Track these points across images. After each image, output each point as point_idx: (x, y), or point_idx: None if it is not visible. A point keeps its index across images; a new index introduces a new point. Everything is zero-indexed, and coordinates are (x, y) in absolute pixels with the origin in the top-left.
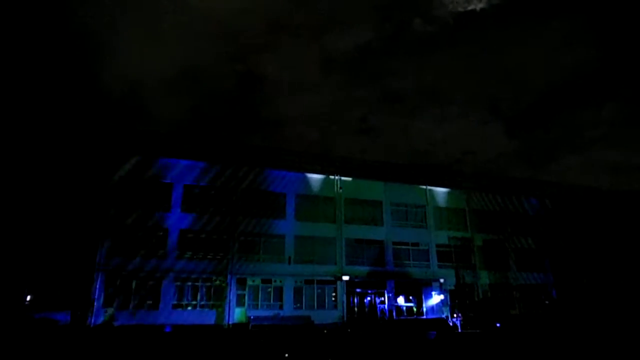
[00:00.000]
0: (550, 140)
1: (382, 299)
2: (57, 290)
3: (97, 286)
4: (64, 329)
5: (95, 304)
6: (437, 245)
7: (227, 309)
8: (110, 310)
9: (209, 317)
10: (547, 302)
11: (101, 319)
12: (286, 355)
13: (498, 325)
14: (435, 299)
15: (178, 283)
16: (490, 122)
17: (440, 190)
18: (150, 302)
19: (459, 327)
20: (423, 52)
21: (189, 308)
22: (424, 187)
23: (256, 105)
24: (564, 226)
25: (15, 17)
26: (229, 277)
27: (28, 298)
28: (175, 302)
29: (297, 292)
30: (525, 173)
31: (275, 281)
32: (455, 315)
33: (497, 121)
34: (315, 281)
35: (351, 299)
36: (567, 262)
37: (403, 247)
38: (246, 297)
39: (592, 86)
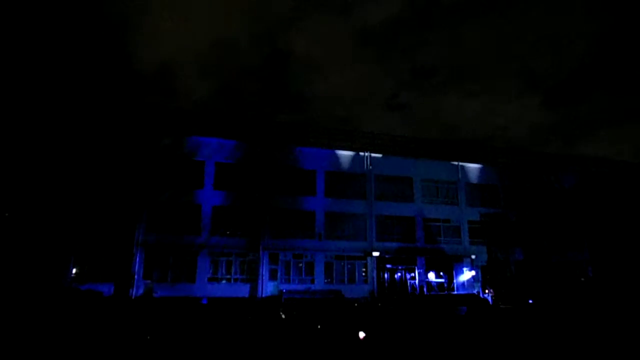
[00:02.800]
0: (587, 113)
1: (413, 274)
2: (101, 265)
3: (137, 260)
4: (108, 300)
5: (135, 277)
6: (469, 222)
7: (260, 282)
8: (149, 283)
9: (242, 291)
10: (582, 279)
11: (141, 291)
12: (318, 326)
13: (530, 301)
14: (467, 275)
15: (213, 258)
16: (525, 95)
17: (473, 166)
18: (187, 275)
19: (490, 303)
20: (455, 24)
21: (224, 282)
22: (456, 163)
23: (285, 83)
24: (601, 202)
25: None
26: (261, 252)
27: (74, 271)
28: (210, 276)
29: (328, 267)
30: (561, 148)
31: (306, 256)
32: (486, 291)
33: (532, 94)
34: (345, 257)
35: (381, 275)
36: (604, 239)
37: (434, 223)
38: (278, 272)
39: (634, 57)
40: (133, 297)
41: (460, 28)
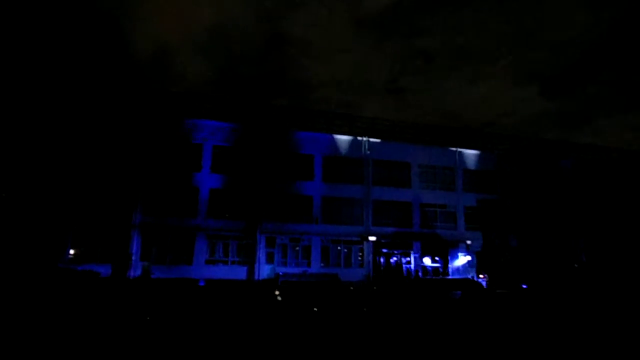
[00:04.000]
0: (586, 101)
1: (408, 259)
2: (99, 246)
3: (135, 242)
4: (105, 280)
5: (133, 258)
6: (465, 208)
7: (256, 265)
8: (147, 264)
9: (239, 273)
10: (576, 265)
11: (139, 272)
12: (315, 309)
13: (524, 286)
14: (462, 260)
15: (210, 240)
16: (525, 83)
17: (471, 152)
18: (184, 257)
19: (485, 287)
20: (456, 9)
21: (221, 264)
22: (454, 149)
23: (284, 67)
24: (597, 189)
25: None
26: (258, 235)
27: (72, 252)
28: (207, 258)
29: (324, 251)
30: (560, 135)
31: (303, 240)
32: (481, 276)
33: (531, 82)
34: (341, 241)
35: (377, 259)
36: (598, 226)
37: (430, 208)
38: (275, 255)
39: (632, 46)
40: (131, 278)
41: (460, 14)
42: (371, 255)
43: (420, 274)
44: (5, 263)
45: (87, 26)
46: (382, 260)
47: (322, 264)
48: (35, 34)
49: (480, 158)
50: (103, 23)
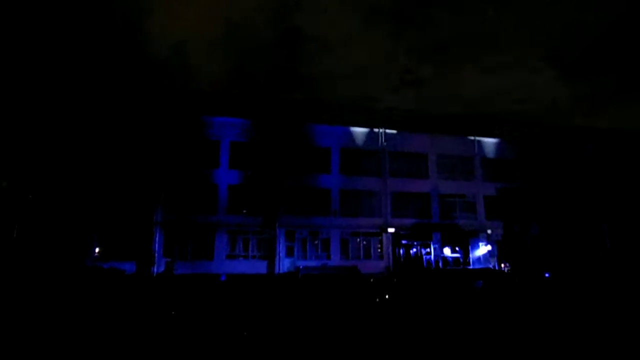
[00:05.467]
0: (605, 85)
1: (428, 250)
2: (123, 244)
3: (157, 239)
4: (130, 277)
5: (156, 255)
6: (485, 197)
7: (277, 259)
8: (170, 261)
9: (260, 267)
10: (599, 251)
11: (162, 269)
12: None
13: (547, 275)
14: (482, 249)
15: (230, 236)
16: (541, 69)
17: (490, 140)
18: (206, 253)
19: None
20: None
21: (241, 259)
22: (472, 138)
23: (299, 61)
24: (619, 174)
25: None
26: (277, 230)
27: (97, 250)
28: (228, 253)
29: (344, 244)
30: (579, 121)
31: (322, 233)
32: (502, 266)
33: (548, 68)
34: (360, 233)
35: (397, 250)
36: (621, 211)
37: (449, 199)
38: (295, 249)
39: None
40: (154, 275)
41: (474, 2)
42: (391, 247)
43: (440, 264)
44: (36, 263)
45: (103, 25)
46: (402, 251)
47: (341, 257)
48: (53, 34)
49: (499, 146)
50: (119, 22)
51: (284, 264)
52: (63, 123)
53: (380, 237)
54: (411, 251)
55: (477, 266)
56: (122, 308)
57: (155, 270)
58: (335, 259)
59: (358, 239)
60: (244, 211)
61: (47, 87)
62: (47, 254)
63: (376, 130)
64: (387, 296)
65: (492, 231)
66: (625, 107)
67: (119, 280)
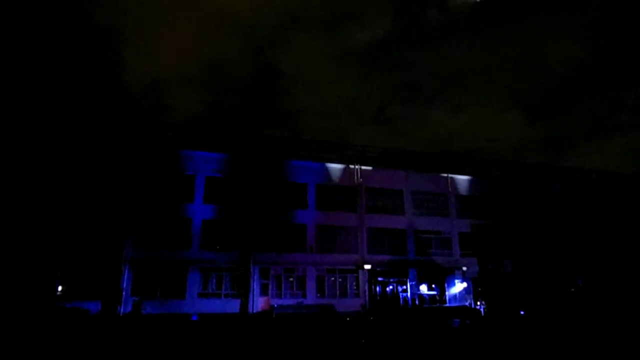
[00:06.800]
0: (571, 126)
1: (405, 287)
2: (87, 281)
3: (125, 277)
4: (95, 318)
5: (123, 293)
6: (460, 234)
7: (251, 297)
8: (138, 300)
9: (233, 306)
10: (572, 289)
11: (130, 308)
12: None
13: (522, 312)
14: (458, 287)
15: (203, 273)
16: (511, 109)
17: (462, 178)
18: (177, 291)
19: (482, 314)
20: (440, 42)
21: (214, 297)
22: (445, 175)
23: (274, 98)
24: (588, 212)
25: (35, 17)
26: (252, 266)
27: (60, 289)
28: (200, 291)
29: (320, 281)
30: (546, 159)
31: (297, 270)
32: (478, 303)
33: (517, 109)
34: (337, 270)
35: (373, 288)
36: (592, 248)
37: (425, 235)
38: (269, 286)
39: (614, 72)
40: (121, 315)
41: (445, 46)
42: (367, 284)
43: (417, 302)
44: None
45: (79, 58)
46: (378, 289)
47: (317, 295)
48: (28, 68)
49: (471, 183)
50: (94, 58)
51: (258, 303)
52: (28, 153)
53: (356, 274)
54: (387, 288)
55: (454, 304)
56: (84, 352)
57: (122, 310)
58: (311, 297)
59: (334, 276)
60: (218, 247)
61: (13, 117)
62: (3, 292)
63: (352, 166)
64: (363, 341)
65: (467, 268)
66: (588, 147)
67: (81, 321)
